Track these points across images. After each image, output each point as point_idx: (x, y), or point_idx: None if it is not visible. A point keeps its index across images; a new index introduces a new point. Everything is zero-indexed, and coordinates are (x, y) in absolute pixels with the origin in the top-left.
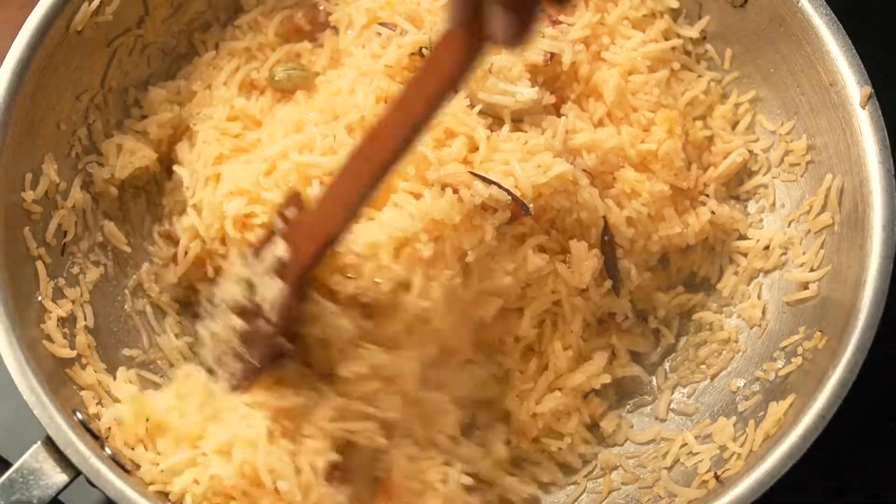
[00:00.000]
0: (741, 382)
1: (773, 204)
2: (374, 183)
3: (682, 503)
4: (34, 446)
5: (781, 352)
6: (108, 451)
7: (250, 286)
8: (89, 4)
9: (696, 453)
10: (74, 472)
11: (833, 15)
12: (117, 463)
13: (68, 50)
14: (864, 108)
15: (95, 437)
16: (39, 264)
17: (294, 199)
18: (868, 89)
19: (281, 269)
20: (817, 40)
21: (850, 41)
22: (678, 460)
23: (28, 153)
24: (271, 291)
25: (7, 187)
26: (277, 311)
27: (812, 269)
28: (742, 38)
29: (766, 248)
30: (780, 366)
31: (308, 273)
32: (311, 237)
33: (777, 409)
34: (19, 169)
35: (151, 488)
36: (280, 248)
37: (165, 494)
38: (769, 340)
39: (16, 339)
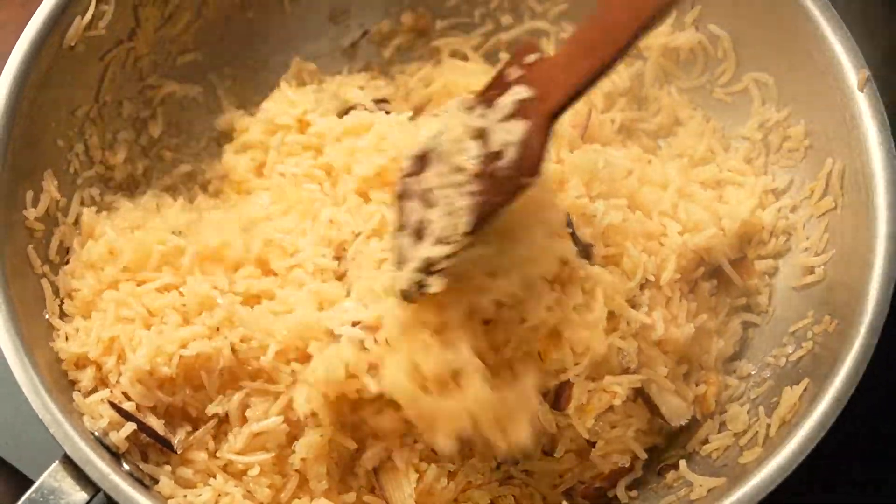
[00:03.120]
0: (752, 369)
1: (774, 190)
2: (637, 31)
3: (702, 492)
4: (53, 465)
5: (791, 337)
6: (126, 466)
7: (482, 136)
8: (82, 18)
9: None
10: (94, 489)
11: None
12: (135, 479)
13: (63, 66)
14: (861, 92)
15: (113, 453)
16: (45, 282)
17: (528, 47)
18: (865, 73)
19: (523, 110)
20: (812, 25)
21: (844, 25)
22: (694, 450)
23: (27, 171)
24: (514, 133)
25: (8, 206)
26: (519, 150)
27: (817, 254)
28: (736, 26)
29: (770, 234)
30: (791, 351)
31: (556, 115)
32: (558, 83)
33: (791, 394)
34: (20, 187)
35: (170, 503)
36: (522, 91)
37: None
38: (778, 326)
39: (27, 359)
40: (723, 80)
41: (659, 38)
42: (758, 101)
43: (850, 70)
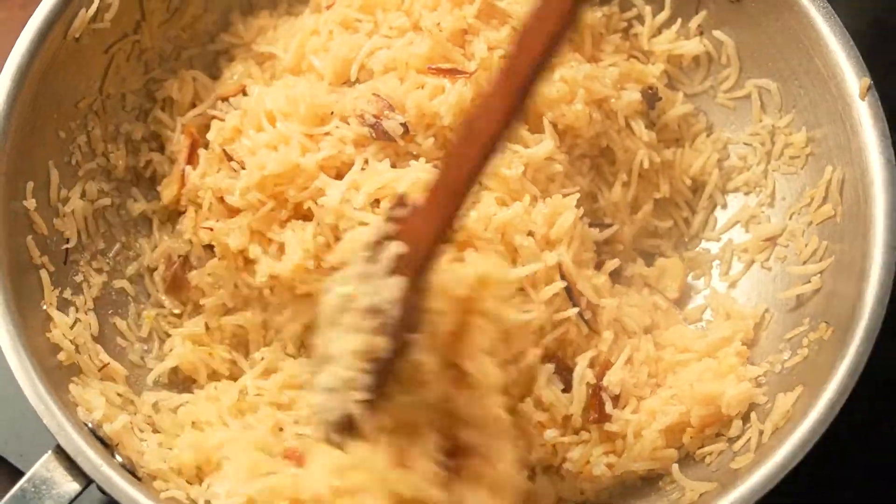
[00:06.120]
0: None
1: (774, 196)
2: (481, 161)
3: (693, 497)
4: (45, 455)
5: (787, 343)
6: (118, 458)
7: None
8: (87, 11)
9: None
10: (86, 480)
11: (830, 7)
12: (128, 470)
13: (66, 57)
14: (863, 100)
15: (105, 444)
16: (43, 273)
17: (399, 200)
18: (867, 81)
19: (399, 266)
20: (815, 33)
21: (847, 33)
22: (688, 453)
23: (29, 161)
24: (391, 290)
25: (9, 196)
26: (399, 307)
27: (815, 262)
28: (739, 33)
29: (768, 240)
30: (786, 357)
31: (427, 264)
32: (425, 228)
33: (785, 400)
34: (20, 177)
35: (163, 495)
36: (395, 247)
37: (178, 501)
38: (774, 332)
39: (23, 348)
40: (726, 86)
41: (663, 45)
42: (761, 106)
43: (852, 78)
